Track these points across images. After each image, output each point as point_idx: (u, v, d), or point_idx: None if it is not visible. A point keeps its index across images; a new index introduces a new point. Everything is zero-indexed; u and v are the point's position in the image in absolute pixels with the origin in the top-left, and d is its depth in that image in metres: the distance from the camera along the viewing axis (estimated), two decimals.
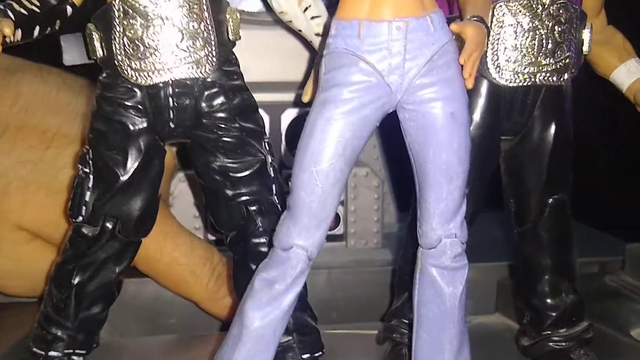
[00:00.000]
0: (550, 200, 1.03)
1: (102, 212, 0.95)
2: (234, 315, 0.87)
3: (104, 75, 0.94)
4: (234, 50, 0.97)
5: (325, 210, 0.83)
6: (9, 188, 1.11)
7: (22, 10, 0.88)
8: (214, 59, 0.93)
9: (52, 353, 0.99)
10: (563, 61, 0.98)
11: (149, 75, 0.91)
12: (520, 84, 0.97)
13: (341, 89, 0.81)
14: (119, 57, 0.91)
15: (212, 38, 0.93)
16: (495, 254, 1.30)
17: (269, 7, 1.12)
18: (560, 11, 0.97)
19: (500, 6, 0.96)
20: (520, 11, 0.96)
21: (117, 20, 0.90)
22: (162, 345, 1.15)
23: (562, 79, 0.99)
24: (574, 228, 1.07)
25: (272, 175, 0.99)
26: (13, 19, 0.86)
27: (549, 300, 1.06)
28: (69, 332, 0.99)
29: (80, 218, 0.95)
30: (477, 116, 0.99)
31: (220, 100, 0.95)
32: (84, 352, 1.01)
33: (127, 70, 0.91)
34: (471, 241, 0.88)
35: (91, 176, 0.95)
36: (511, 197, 1.06)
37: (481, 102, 0.99)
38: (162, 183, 0.99)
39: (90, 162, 0.95)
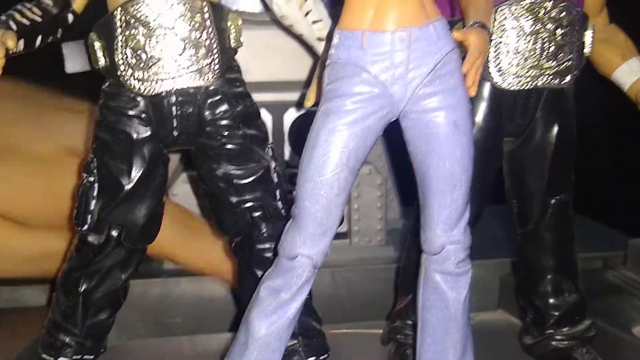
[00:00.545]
0: (553, 201, 1.03)
1: (108, 221, 0.96)
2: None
3: (107, 84, 0.94)
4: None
5: (330, 219, 0.84)
6: None
7: (24, 21, 0.88)
8: (217, 67, 0.93)
9: (61, 359, 1.00)
10: (565, 64, 0.98)
11: (152, 85, 0.91)
12: (523, 88, 0.97)
13: (344, 99, 0.81)
14: (122, 67, 0.91)
15: (215, 46, 0.93)
16: (497, 250, 1.30)
17: (269, 7, 1.11)
18: (562, 14, 0.96)
19: (502, 10, 0.95)
20: (522, 14, 0.95)
21: (119, 30, 0.90)
22: (168, 347, 1.15)
23: (564, 82, 0.98)
24: (577, 222, 1.07)
25: (276, 180, 0.99)
26: (15, 29, 0.86)
27: (551, 300, 1.06)
28: (77, 339, 1.00)
29: (86, 227, 0.96)
30: (479, 119, 0.98)
31: (223, 107, 0.95)
32: (92, 357, 1.02)
33: (130, 80, 0.91)
34: (473, 238, 0.88)
35: (96, 185, 0.95)
36: (513, 199, 1.06)
37: (483, 105, 0.98)
38: None
39: (95, 170, 0.95)
